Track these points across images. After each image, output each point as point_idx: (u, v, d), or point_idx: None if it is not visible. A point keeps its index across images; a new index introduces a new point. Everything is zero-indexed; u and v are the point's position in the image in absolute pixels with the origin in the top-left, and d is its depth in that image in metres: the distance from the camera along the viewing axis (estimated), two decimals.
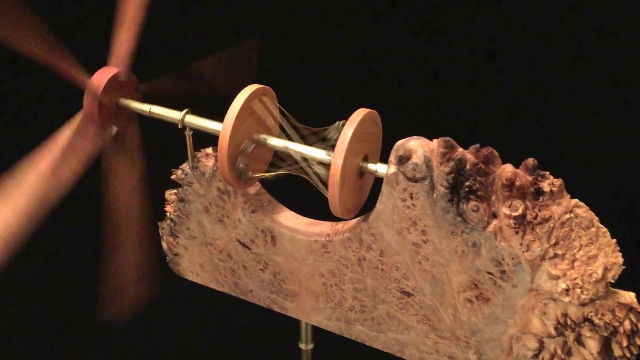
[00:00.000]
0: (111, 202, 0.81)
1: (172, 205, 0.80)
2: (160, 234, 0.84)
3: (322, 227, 0.73)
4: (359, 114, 0.64)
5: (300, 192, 0.75)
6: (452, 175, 0.61)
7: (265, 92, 0.70)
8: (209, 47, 0.83)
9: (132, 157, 0.82)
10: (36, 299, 1.18)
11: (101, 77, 0.73)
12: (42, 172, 0.71)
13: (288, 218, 0.74)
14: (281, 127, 0.72)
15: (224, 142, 0.66)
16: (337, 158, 0.62)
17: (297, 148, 0.67)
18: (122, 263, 0.80)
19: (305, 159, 0.68)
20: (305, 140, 0.70)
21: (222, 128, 0.66)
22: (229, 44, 0.84)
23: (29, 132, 0.85)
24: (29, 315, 1.14)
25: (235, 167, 0.68)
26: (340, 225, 0.72)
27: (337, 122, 0.66)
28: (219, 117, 0.73)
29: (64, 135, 0.76)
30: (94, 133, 0.77)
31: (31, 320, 1.14)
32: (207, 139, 0.75)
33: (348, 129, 0.63)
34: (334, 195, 0.63)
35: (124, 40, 0.75)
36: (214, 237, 0.79)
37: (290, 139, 0.70)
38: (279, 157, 0.73)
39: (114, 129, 0.78)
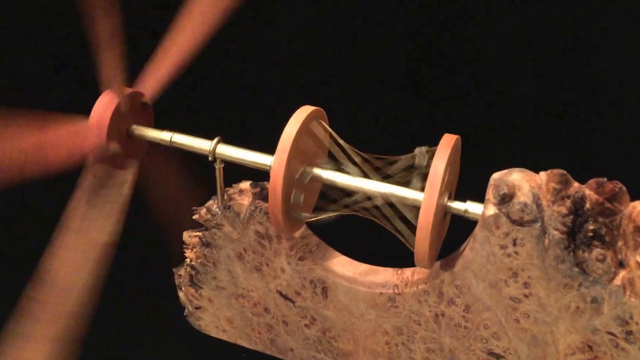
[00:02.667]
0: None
1: (195, 250, 0.67)
2: (177, 283, 0.70)
3: (386, 276, 0.60)
4: (449, 141, 0.52)
5: (335, 228, 0.63)
6: (571, 216, 0.49)
7: (318, 114, 0.57)
8: None
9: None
10: None
11: (100, 123, 0.59)
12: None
13: (342, 265, 0.62)
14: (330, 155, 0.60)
15: (278, 178, 0.53)
16: (429, 198, 0.50)
17: (381, 189, 0.54)
18: None
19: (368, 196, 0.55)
20: (360, 170, 0.58)
21: (274, 160, 0.53)
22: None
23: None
24: None
25: (290, 208, 0.55)
26: (408, 274, 0.59)
27: (416, 150, 0.54)
28: (248, 143, 0.61)
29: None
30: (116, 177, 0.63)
31: None
32: (237, 171, 0.62)
33: (440, 161, 0.51)
34: (424, 245, 0.51)
35: (110, 59, 0.61)
36: (248, 288, 0.65)
37: (343, 169, 0.58)
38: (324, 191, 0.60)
39: (136, 166, 0.65)
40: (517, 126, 1.01)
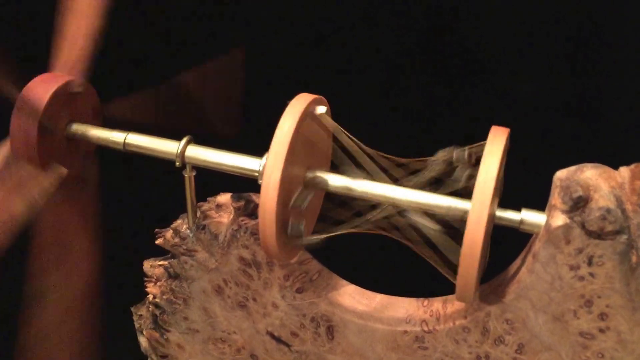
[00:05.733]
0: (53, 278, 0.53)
1: (159, 284, 0.53)
2: (137, 325, 0.56)
3: (408, 309, 0.47)
4: (500, 134, 0.40)
5: (337, 249, 0.50)
6: None
7: (320, 103, 0.44)
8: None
9: (87, 212, 0.54)
10: None
11: (42, 89, 0.46)
12: None
13: (352, 297, 0.49)
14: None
15: (272, 186, 0.40)
16: (480, 209, 0.37)
17: (415, 197, 0.41)
18: None
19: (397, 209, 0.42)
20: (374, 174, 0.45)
21: (267, 163, 0.40)
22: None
23: None
24: None
25: (290, 229, 0.42)
26: (438, 306, 0.47)
27: (450, 150, 0.41)
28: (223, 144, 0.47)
29: None
30: (28, 175, 0.49)
31: None
32: (211, 180, 0.49)
33: (493, 160, 0.38)
34: (471, 272, 0.38)
35: (77, 36, 0.48)
36: (229, 330, 0.51)
37: (352, 173, 0.45)
38: (329, 199, 0.47)
39: (61, 171, 0.50)
40: (524, 125, 0.90)
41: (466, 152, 0.40)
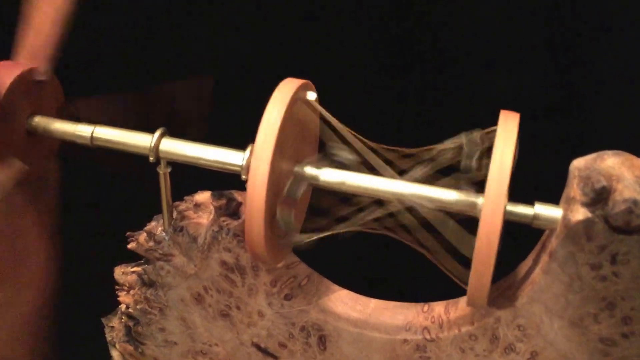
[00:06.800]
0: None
1: (132, 292, 0.48)
2: (109, 338, 0.51)
3: (408, 316, 0.43)
4: (512, 119, 0.36)
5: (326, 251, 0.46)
6: None
7: (308, 89, 0.40)
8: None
9: (45, 219, 0.49)
10: None
11: (3, 72, 0.41)
12: None
13: (345, 303, 0.44)
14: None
15: (260, 180, 0.35)
16: (495, 203, 0.33)
17: (419, 191, 0.37)
18: None
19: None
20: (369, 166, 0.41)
21: (254, 156, 0.36)
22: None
23: None
24: None
25: (281, 224, 0.37)
26: (440, 312, 0.43)
27: (458, 138, 0.37)
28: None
29: None
30: None
31: None
32: (188, 177, 0.44)
33: (507, 147, 0.34)
34: (486, 274, 0.34)
35: (43, 24, 0.43)
36: (210, 342, 0.47)
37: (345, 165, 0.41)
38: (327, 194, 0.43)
39: (20, 166, 0.45)
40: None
41: (478, 135, 0.36)
